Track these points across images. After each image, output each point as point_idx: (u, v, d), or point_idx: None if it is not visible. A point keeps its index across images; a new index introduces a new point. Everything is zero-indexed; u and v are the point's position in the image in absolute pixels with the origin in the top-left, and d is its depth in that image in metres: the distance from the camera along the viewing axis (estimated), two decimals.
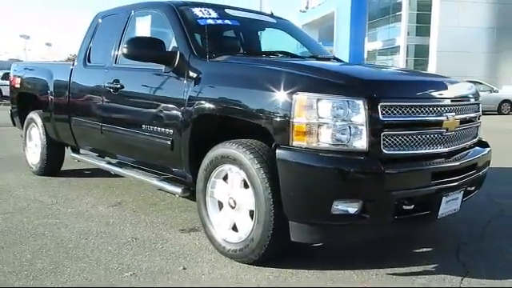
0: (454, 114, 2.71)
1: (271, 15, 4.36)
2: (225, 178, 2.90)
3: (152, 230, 3.37)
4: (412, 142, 2.51)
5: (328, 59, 3.85)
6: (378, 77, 2.98)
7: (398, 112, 2.45)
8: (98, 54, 4.23)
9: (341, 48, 36.89)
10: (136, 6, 3.97)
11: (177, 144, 3.16)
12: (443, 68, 24.96)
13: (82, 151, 4.77)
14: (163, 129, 3.26)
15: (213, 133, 3.03)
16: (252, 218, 2.70)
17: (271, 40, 4.58)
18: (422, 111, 2.56)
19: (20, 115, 5.56)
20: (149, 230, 3.37)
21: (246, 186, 2.73)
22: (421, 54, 34.51)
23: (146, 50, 3.22)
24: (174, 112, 3.15)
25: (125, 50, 3.20)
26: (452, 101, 2.78)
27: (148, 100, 3.43)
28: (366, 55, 39.45)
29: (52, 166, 5.09)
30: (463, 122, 2.85)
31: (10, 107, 5.90)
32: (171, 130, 3.19)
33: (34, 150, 5.27)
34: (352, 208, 2.38)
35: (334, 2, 41.37)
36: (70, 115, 4.42)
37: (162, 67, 3.29)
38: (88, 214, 3.72)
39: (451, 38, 31.60)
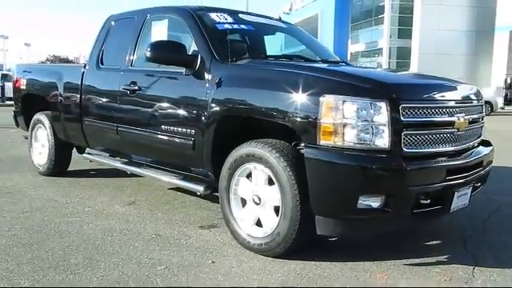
0: (463, 114, 2.92)
1: (279, 20, 4.52)
2: (248, 176, 3.04)
3: (172, 227, 3.49)
4: (428, 140, 2.70)
5: (337, 63, 4.04)
6: (398, 80, 3.17)
7: (416, 113, 2.64)
8: (112, 56, 4.32)
9: None
10: (152, 10, 4.08)
11: (199, 144, 3.29)
12: (424, 70, 25.49)
13: (91, 151, 4.85)
14: (184, 129, 3.38)
15: (235, 133, 3.17)
16: (276, 214, 2.85)
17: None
18: (437, 112, 2.76)
19: (25, 116, 5.60)
20: (169, 227, 3.48)
21: (270, 183, 2.88)
22: (403, 55, 35.22)
23: (168, 53, 3.34)
24: (196, 113, 3.28)
25: (148, 54, 3.31)
26: (462, 102, 2.99)
27: (168, 101, 3.55)
28: (348, 57, 39.96)
29: (60, 166, 5.16)
30: (471, 122, 3.05)
31: (13, 108, 5.93)
32: (193, 131, 3.31)
33: (40, 150, 5.32)
34: (375, 202, 2.56)
35: (318, 5, 41.78)
36: (82, 116, 4.50)
37: (183, 70, 3.41)
38: (106, 213, 3.82)
39: (432, 40, 32.31)
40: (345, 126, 2.55)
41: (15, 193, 4.43)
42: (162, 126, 3.56)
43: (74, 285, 2.49)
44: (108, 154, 4.71)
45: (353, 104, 2.55)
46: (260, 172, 2.93)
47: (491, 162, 3.36)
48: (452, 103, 2.89)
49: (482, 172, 3.14)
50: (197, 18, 3.59)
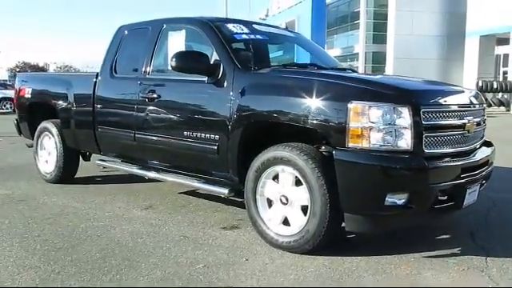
0: (472, 117, 3.19)
1: (286, 29, 4.73)
2: (274, 178, 3.22)
3: (196, 228, 3.63)
4: (445, 141, 2.95)
5: (345, 69, 4.28)
6: (417, 87, 3.42)
7: (435, 116, 2.89)
8: (126, 65, 4.43)
9: None
10: (167, 20, 4.22)
11: (223, 148, 3.45)
12: (399, 74, 26.12)
13: (104, 158, 4.94)
14: (208, 135, 3.53)
15: (259, 137, 3.35)
16: (304, 213, 3.05)
17: None
18: (452, 115, 3.03)
19: (29, 124, 5.64)
20: (193, 228, 3.63)
21: (297, 184, 3.07)
22: (378, 60, 35.99)
23: (192, 63, 3.50)
24: (220, 119, 3.44)
25: (173, 63, 3.46)
26: (469, 106, 3.26)
27: (190, 109, 3.70)
28: None
29: (68, 173, 5.22)
30: (477, 124, 3.32)
31: (16, 116, 5.95)
32: (217, 136, 3.47)
33: (46, 158, 5.37)
34: (400, 200, 2.79)
35: (295, 10, 42.22)
36: (95, 124, 4.58)
37: (205, 78, 3.57)
38: (127, 217, 3.93)
39: (406, 45, 33.12)
40: (371, 129, 2.77)
41: (29, 200, 4.48)
42: (184, 132, 3.70)
43: (121, 285, 2.62)
44: (120, 160, 4.80)
45: (378, 109, 2.77)
46: (288, 174, 3.11)
47: (493, 161, 3.64)
48: (463, 107, 3.16)
49: (488, 170, 3.41)
50: (216, 29, 3.75)
